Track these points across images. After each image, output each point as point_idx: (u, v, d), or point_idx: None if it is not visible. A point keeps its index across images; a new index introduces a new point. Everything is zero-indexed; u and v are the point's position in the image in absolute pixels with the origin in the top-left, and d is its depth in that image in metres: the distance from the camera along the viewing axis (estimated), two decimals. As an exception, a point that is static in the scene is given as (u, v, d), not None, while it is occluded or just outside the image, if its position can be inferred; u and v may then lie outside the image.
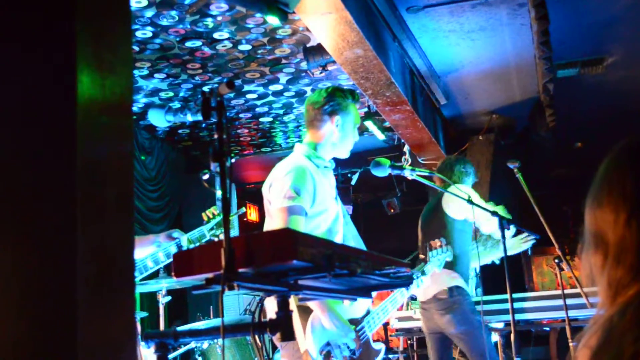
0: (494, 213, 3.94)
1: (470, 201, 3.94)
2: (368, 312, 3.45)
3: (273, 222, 3.20)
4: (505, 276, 3.92)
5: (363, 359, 3.27)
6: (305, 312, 3.13)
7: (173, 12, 5.31)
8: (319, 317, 3.09)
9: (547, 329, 6.92)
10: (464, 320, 4.69)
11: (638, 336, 1.11)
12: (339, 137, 3.41)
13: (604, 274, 1.25)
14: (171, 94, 7.14)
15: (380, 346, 3.42)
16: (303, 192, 3.13)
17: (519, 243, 4.93)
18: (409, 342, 6.65)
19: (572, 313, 4.80)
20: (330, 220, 3.33)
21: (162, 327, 5.24)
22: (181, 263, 1.59)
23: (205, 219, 4.08)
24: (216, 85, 6.79)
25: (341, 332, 3.07)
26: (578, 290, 4.75)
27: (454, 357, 5.14)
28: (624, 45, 6.38)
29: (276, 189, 3.19)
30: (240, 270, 1.49)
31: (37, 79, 1.45)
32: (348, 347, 3.14)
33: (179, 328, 1.77)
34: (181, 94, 7.18)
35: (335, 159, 3.51)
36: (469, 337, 4.68)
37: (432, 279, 4.54)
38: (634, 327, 1.13)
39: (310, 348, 3.04)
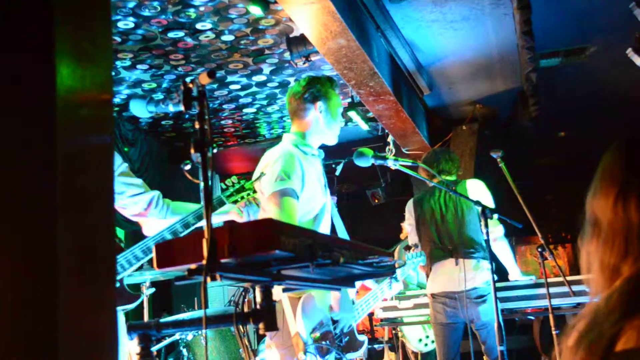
0: (476, 203, 3.96)
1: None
2: (352, 303, 3.47)
3: (267, 210, 3.19)
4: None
5: (349, 348, 3.30)
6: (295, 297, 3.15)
7: (155, 3, 5.27)
8: (309, 300, 3.10)
9: (531, 317, 6.98)
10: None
11: (618, 319, 1.14)
12: (325, 122, 3.43)
13: (596, 259, 1.27)
14: (154, 85, 7.10)
15: (364, 337, 3.46)
16: (293, 176, 3.14)
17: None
18: (393, 332, 6.67)
19: (556, 302, 4.84)
20: (318, 208, 3.34)
21: (146, 319, 5.23)
22: (163, 254, 1.58)
23: (224, 187, 4.01)
24: (199, 76, 6.73)
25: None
26: (561, 279, 4.79)
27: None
28: (605, 34, 6.40)
29: (267, 176, 3.20)
30: (223, 260, 1.48)
31: (15, 70, 1.43)
32: (340, 329, 3.18)
33: (162, 319, 1.76)
34: (164, 85, 7.14)
35: (322, 148, 3.52)
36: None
37: (475, 272, 4.64)
38: (616, 311, 1.16)
39: (301, 330, 3.05)
